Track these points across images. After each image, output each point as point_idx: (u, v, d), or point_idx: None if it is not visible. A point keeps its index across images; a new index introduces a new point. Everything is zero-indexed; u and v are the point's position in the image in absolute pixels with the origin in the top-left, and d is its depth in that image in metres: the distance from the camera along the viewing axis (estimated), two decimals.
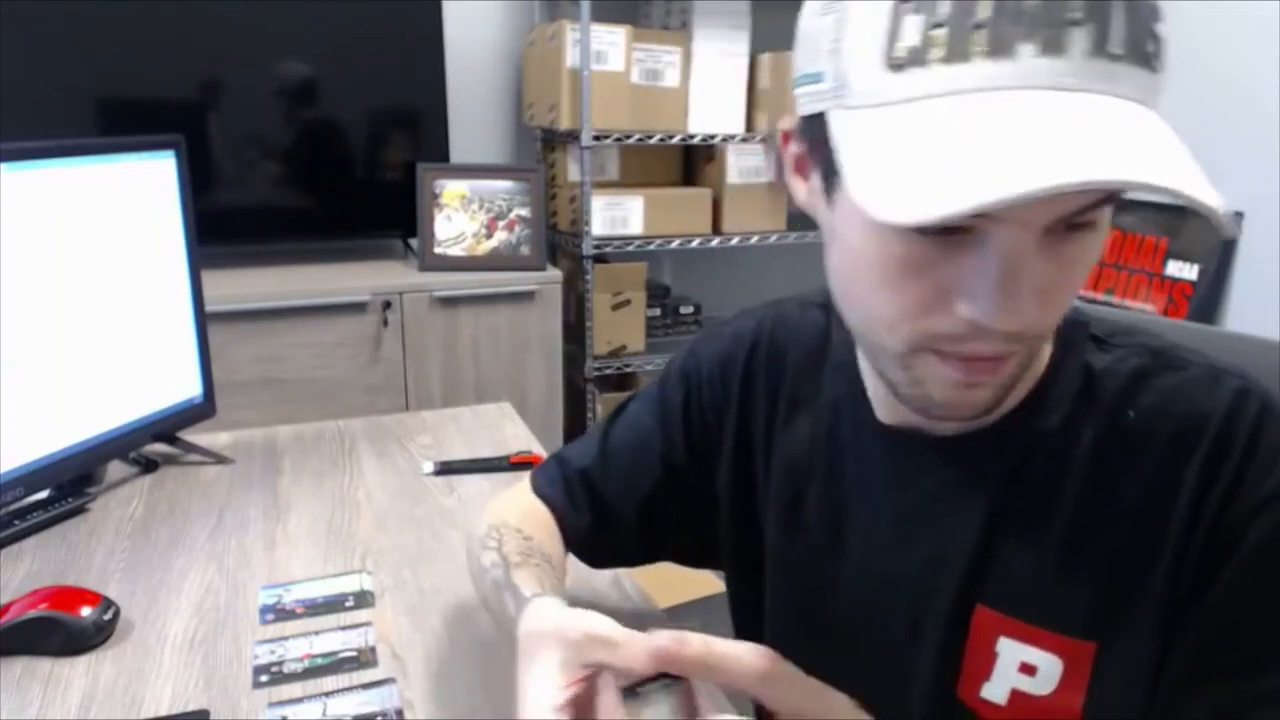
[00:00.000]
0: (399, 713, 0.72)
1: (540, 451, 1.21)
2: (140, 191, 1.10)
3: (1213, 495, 0.52)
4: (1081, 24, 0.41)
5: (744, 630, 0.79)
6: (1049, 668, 0.57)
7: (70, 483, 1.06)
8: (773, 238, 2.68)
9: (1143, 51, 0.43)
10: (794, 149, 0.56)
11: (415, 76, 2.36)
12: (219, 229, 1.83)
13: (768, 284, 3.16)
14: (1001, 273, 0.45)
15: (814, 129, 0.50)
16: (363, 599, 0.87)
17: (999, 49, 0.42)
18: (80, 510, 1.05)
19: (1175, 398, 0.55)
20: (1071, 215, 0.45)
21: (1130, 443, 0.55)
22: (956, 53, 0.42)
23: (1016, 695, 0.58)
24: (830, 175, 0.50)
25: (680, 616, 0.88)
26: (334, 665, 0.78)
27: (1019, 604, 0.58)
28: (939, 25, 0.42)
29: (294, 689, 0.75)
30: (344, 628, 0.83)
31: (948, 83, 0.42)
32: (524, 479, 0.86)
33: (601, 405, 2.58)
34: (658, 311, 2.76)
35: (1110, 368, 0.57)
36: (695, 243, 2.58)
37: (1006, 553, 0.58)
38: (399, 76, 2.35)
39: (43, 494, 1.03)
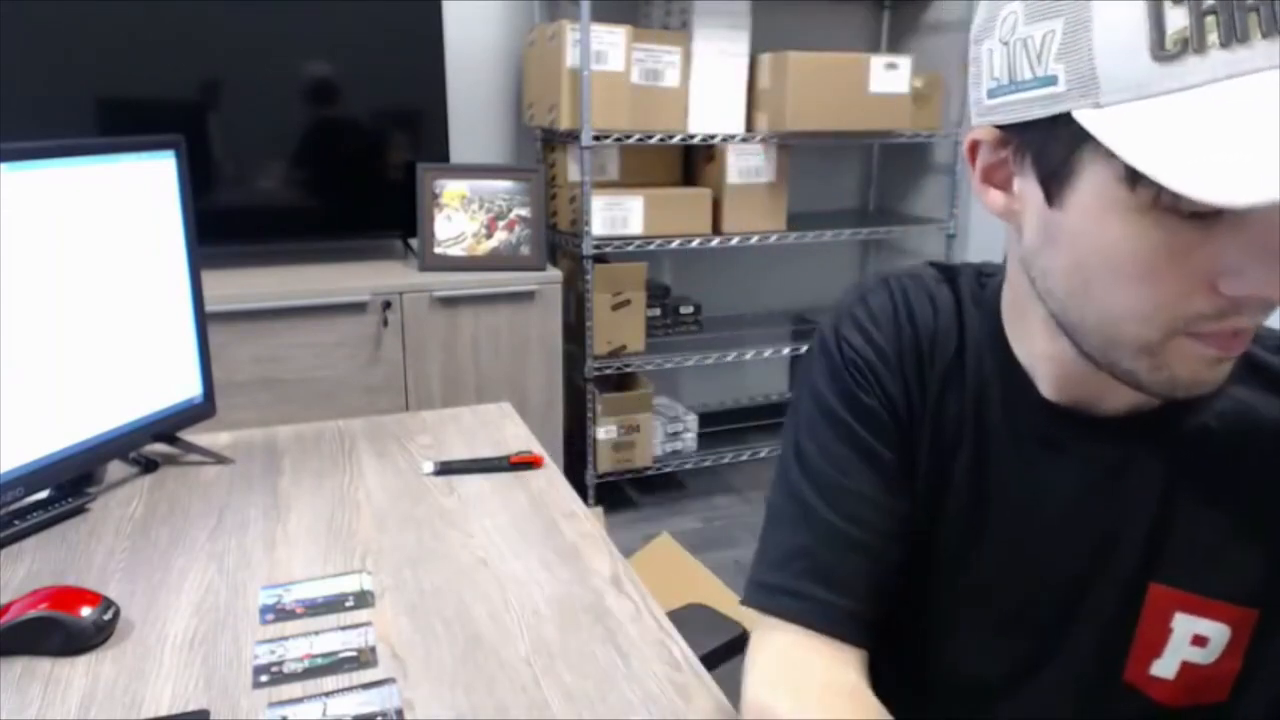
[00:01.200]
0: (399, 713, 0.72)
1: (540, 451, 1.21)
2: (140, 191, 1.10)
3: None
4: None
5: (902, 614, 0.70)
6: (1219, 637, 0.59)
7: (70, 483, 1.06)
8: (773, 238, 2.68)
9: None
10: (988, 158, 0.56)
11: (415, 76, 2.36)
12: (219, 229, 1.83)
13: (768, 284, 3.16)
14: (1273, 245, 0.46)
15: (1034, 135, 0.51)
16: (363, 599, 0.87)
17: (1277, 27, 0.43)
18: (80, 510, 1.05)
19: None
20: None
21: None
22: (1237, 35, 0.43)
23: (1185, 668, 0.60)
24: (1063, 179, 0.50)
25: (681, 620, 0.88)
26: (334, 665, 0.78)
27: (1195, 578, 0.59)
28: (1209, 12, 0.43)
29: (294, 689, 0.75)
30: (344, 628, 0.83)
31: (1228, 66, 0.43)
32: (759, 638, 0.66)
33: (601, 405, 2.59)
34: (658, 311, 2.76)
35: (1265, 352, 0.59)
36: (695, 243, 2.58)
37: (1184, 528, 0.59)
38: (399, 76, 2.35)
39: (43, 494, 1.03)
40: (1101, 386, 0.58)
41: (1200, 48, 0.43)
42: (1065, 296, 0.54)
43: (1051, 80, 0.48)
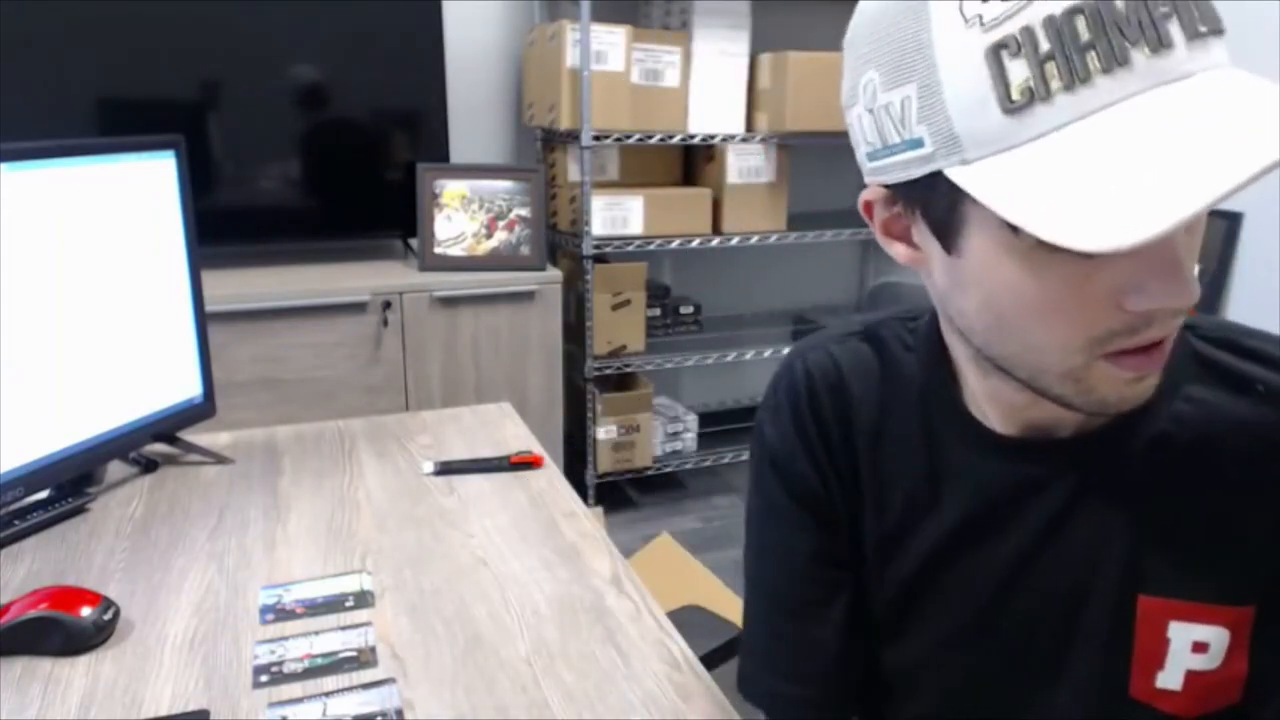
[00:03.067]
0: (399, 713, 0.72)
1: (540, 451, 1.21)
2: (140, 191, 1.10)
3: None
4: (1170, 15, 0.44)
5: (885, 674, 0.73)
6: (1219, 641, 0.58)
7: (70, 483, 1.06)
8: (772, 238, 2.68)
9: (1215, 18, 0.46)
10: (884, 214, 0.57)
11: (415, 76, 2.36)
12: (219, 229, 1.84)
13: (767, 284, 3.16)
14: (1169, 257, 0.47)
15: (917, 192, 0.52)
16: (363, 599, 0.87)
17: (1114, 62, 0.44)
18: (80, 510, 1.05)
19: None
20: None
21: (1266, 414, 0.56)
22: (1078, 77, 0.44)
23: (1190, 676, 0.59)
24: (953, 229, 0.51)
25: (681, 620, 0.88)
26: (334, 665, 0.78)
27: (1183, 585, 0.59)
28: (1047, 59, 0.44)
29: (294, 689, 0.75)
30: (344, 628, 0.83)
31: (1075, 108, 0.44)
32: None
33: (601, 405, 2.59)
34: (658, 311, 2.76)
35: (1212, 353, 0.59)
36: (695, 243, 2.58)
37: (1162, 536, 0.59)
38: (399, 76, 2.35)
39: (43, 494, 1.03)
40: (1051, 411, 0.58)
41: (1045, 95, 0.44)
42: (984, 333, 0.55)
43: (919, 143, 0.50)
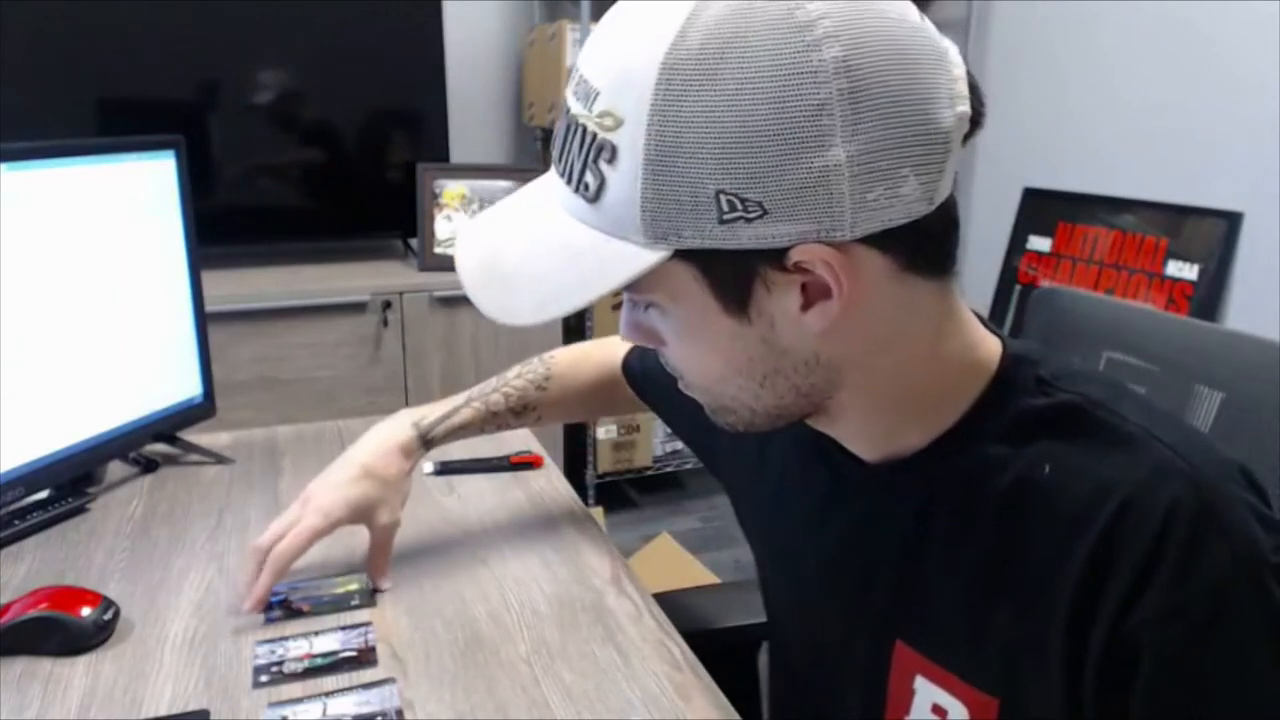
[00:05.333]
0: (399, 713, 0.72)
1: (540, 451, 1.21)
2: (140, 191, 1.10)
3: (1111, 591, 0.49)
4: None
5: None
6: (958, 714, 0.56)
7: (70, 483, 1.06)
8: None
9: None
10: None
11: (415, 76, 2.36)
12: (219, 229, 1.83)
13: None
14: None
15: None
16: (363, 599, 0.87)
17: None
18: (80, 510, 1.05)
19: (1095, 463, 0.52)
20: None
21: (1039, 499, 0.53)
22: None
23: None
24: None
25: (672, 603, 0.89)
26: (334, 665, 0.78)
27: (933, 644, 0.58)
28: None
29: (294, 689, 0.75)
30: (344, 628, 0.83)
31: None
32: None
33: None
34: None
35: (1043, 412, 0.55)
36: None
37: (919, 590, 0.58)
38: (399, 76, 2.35)
39: (43, 494, 1.03)
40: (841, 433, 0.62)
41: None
42: None
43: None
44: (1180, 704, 0.49)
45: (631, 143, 0.48)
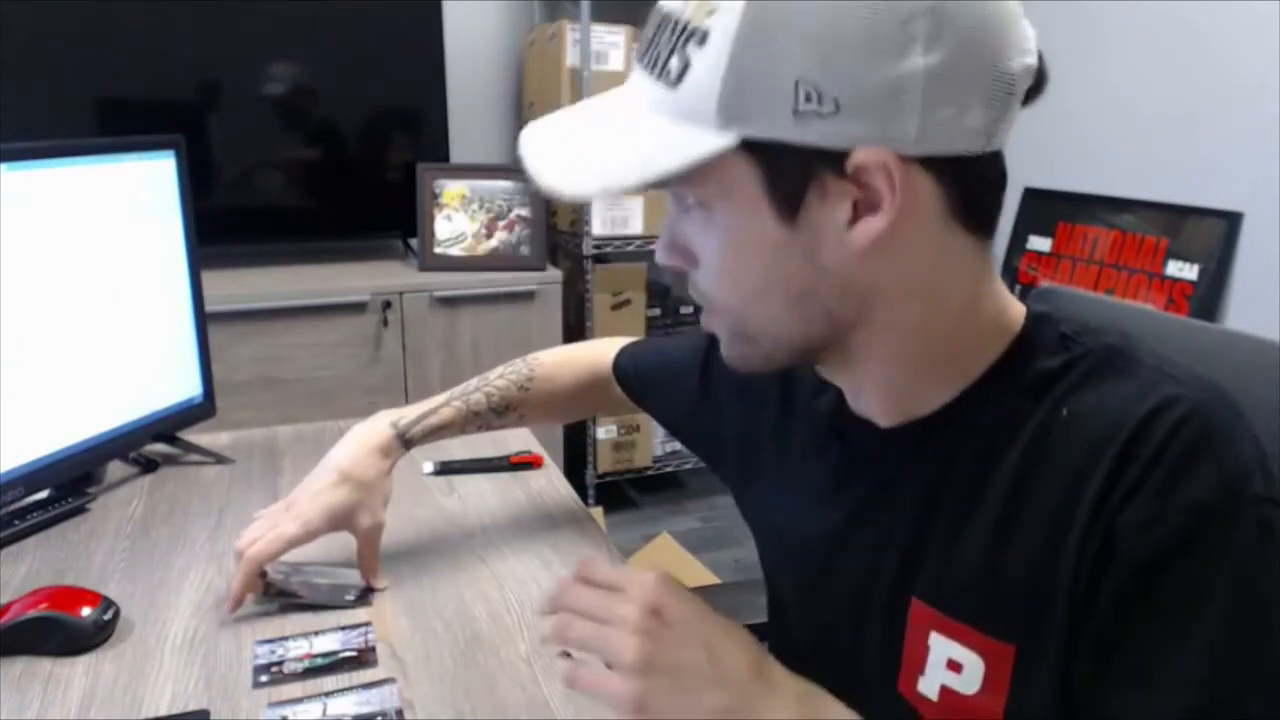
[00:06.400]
0: (399, 713, 0.72)
1: (540, 451, 1.21)
2: (140, 191, 1.10)
3: (1113, 499, 0.50)
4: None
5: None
6: (973, 666, 0.56)
7: (70, 483, 1.06)
8: None
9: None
10: None
11: (415, 76, 2.36)
12: (219, 229, 1.83)
13: None
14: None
15: None
16: (360, 594, 0.87)
17: None
18: (80, 510, 1.05)
19: (1110, 399, 0.53)
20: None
21: (1057, 441, 0.54)
22: None
23: (946, 691, 0.58)
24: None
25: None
26: (334, 665, 0.78)
27: (947, 599, 0.58)
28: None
29: (294, 689, 0.75)
30: (344, 627, 0.83)
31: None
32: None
33: None
34: (658, 311, 2.76)
35: (1063, 366, 0.56)
36: None
37: (935, 547, 0.59)
38: (399, 76, 2.35)
39: (43, 494, 1.03)
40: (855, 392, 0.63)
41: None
42: None
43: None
44: (1133, 615, 0.50)
45: (724, 26, 0.49)
